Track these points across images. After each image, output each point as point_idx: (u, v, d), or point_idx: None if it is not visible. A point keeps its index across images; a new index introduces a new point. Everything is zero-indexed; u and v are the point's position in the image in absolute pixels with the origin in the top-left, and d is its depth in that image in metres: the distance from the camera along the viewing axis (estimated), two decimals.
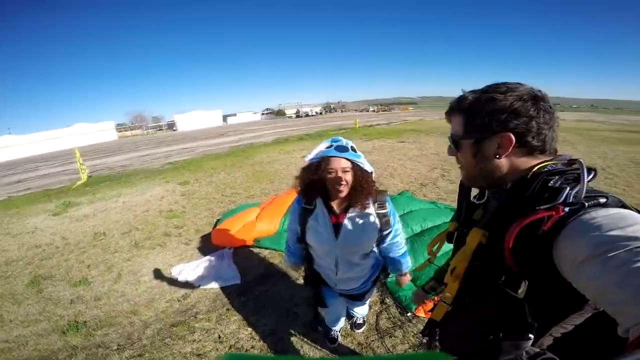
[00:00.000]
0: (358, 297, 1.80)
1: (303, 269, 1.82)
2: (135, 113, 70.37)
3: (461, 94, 0.77)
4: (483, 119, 0.69)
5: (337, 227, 1.44)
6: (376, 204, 1.45)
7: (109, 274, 3.35)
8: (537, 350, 0.69)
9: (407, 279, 1.72)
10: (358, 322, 2.31)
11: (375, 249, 1.62)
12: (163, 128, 44.91)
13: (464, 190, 0.90)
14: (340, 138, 1.39)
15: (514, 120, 0.66)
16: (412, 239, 3.20)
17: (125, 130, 43.29)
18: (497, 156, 0.70)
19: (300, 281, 2.91)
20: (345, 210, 1.43)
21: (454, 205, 4.49)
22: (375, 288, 1.83)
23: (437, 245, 1.02)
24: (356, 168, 1.34)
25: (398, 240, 1.59)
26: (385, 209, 1.47)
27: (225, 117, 50.78)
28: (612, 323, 0.53)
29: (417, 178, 6.50)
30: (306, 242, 1.56)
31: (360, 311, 2.18)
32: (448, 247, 0.96)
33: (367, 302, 2.11)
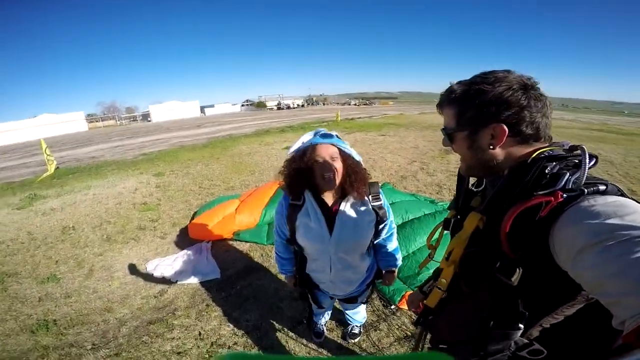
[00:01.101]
0: (350, 300, 1.68)
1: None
2: (107, 103, 67.23)
3: (449, 86, 0.75)
4: (474, 111, 0.69)
5: (330, 221, 1.32)
6: (370, 196, 1.35)
7: (80, 269, 3.20)
8: (525, 341, 0.69)
9: (394, 277, 1.63)
10: (354, 331, 2.16)
11: (370, 249, 1.52)
12: (137, 119, 43.15)
13: (461, 178, 0.89)
14: (324, 129, 1.31)
15: (505, 111, 0.65)
16: None
17: (97, 121, 41.26)
18: (492, 147, 0.70)
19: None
20: (338, 202, 1.32)
21: (433, 197, 4.59)
22: (369, 291, 1.71)
23: (435, 238, 0.98)
24: (344, 155, 1.26)
25: (393, 233, 1.52)
26: (380, 200, 1.37)
27: (202, 109, 49.42)
28: (602, 315, 0.52)
29: (398, 171, 6.60)
30: (297, 243, 1.42)
31: (357, 317, 2.04)
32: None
33: (363, 306, 1.98)
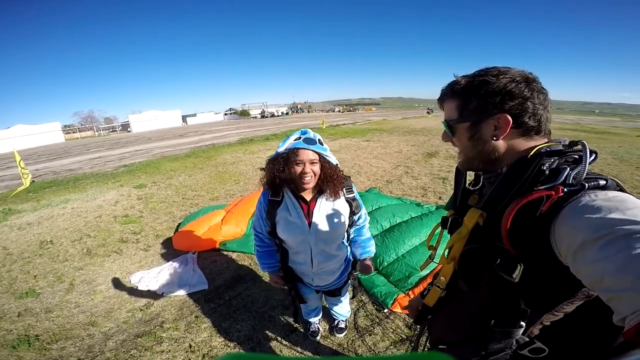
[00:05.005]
0: (335, 293, 1.81)
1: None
2: (84, 113, 65.18)
3: (453, 79, 0.75)
4: (478, 102, 0.69)
5: (308, 215, 1.45)
6: (344, 189, 1.49)
7: (60, 284, 3.09)
8: (527, 339, 0.68)
9: (370, 265, 1.66)
10: (340, 325, 2.22)
11: (345, 239, 1.64)
12: (117, 129, 42.09)
13: (459, 176, 0.89)
14: (309, 130, 1.40)
15: (510, 101, 0.66)
16: (383, 235, 3.26)
17: (74, 132, 39.94)
18: (495, 138, 0.69)
19: None
20: (315, 198, 1.45)
21: (419, 200, 4.66)
22: (350, 282, 1.84)
23: (435, 238, 0.95)
24: (323, 160, 1.37)
25: (364, 222, 1.65)
26: (353, 192, 1.52)
27: (184, 118, 48.69)
28: (601, 312, 0.52)
29: (383, 175, 6.70)
30: (278, 237, 1.52)
31: (342, 311, 2.11)
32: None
33: (347, 299, 2.07)
